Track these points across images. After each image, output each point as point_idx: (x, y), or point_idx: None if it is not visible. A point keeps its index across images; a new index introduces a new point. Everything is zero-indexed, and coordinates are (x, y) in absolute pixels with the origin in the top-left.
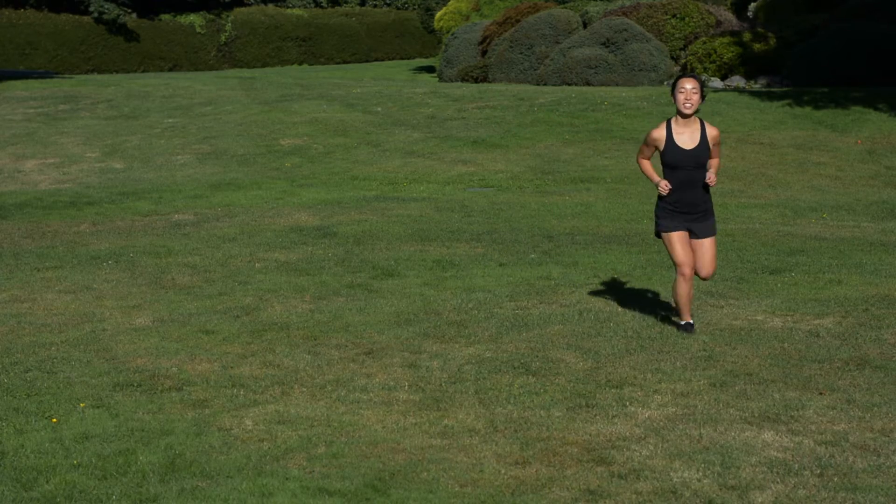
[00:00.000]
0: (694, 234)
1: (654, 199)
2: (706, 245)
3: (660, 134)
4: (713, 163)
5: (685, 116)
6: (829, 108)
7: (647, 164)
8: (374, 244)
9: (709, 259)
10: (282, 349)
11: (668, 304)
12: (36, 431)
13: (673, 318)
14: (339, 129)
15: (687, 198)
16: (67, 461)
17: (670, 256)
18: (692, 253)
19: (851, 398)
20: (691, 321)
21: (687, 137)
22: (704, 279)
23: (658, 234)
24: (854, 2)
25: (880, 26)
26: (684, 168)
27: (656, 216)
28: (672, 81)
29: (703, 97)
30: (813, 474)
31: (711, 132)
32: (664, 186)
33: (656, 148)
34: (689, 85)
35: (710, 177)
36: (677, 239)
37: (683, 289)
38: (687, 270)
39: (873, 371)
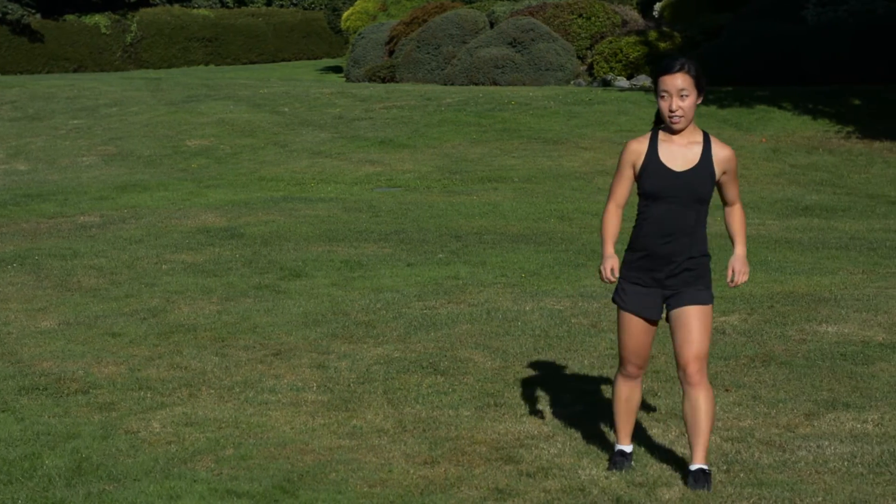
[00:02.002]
0: (671, 305)
1: (562, 198)
2: (688, 316)
3: (639, 146)
4: (733, 224)
5: (675, 132)
6: (734, 106)
7: (607, 220)
8: (282, 245)
9: (695, 337)
10: (189, 351)
11: (576, 308)
12: None
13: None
14: (246, 129)
15: (664, 249)
16: None
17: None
18: (649, 345)
19: (757, 394)
20: (628, 448)
21: (678, 153)
22: (686, 370)
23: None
24: (758, 2)
25: (784, 26)
26: (668, 200)
27: (620, 274)
28: (654, 76)
29: (702, 91)
30: (720, 470)
31: (721, 152)
32: (605, 271)
33: (634, 171)
34: (677, 82)
35: (736, 270)
36: (632, 326)
37: (623, 392)
38: (632, 371)
39: (778, 367)
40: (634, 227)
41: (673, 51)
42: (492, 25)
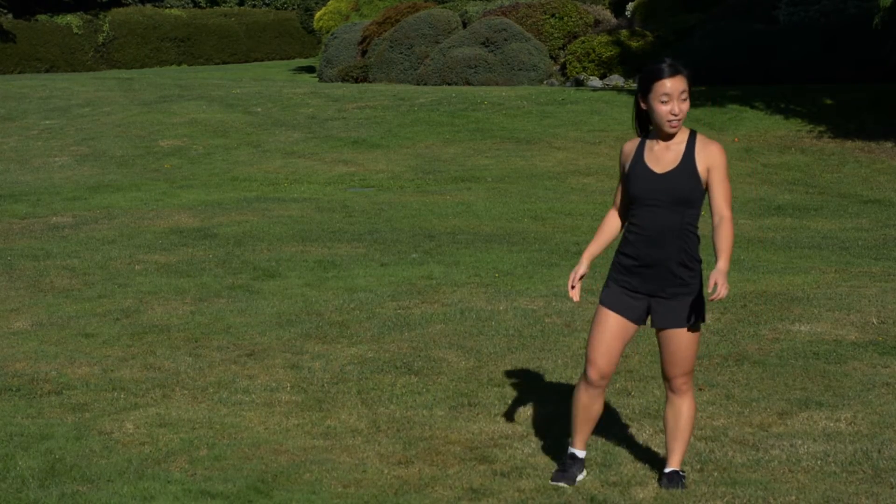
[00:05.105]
0: (657, 321)
1: (535, 198)
2: (680, 338)
3: (629, 148)
4: (719, 240)
5: (670, 137)
6: (706, 106)
7: (602, 223)
8: (255, 245)
9: (681, 357)
10: (162, 351)
11: (549, 308)
12: None
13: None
14: (219, 129)
15: (651, 256)
16: None
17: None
18: (619, 351)
19: (730, 393)
20: (581, 453)
21: (662, 155)
22: (672, 382)
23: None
24: (730, 2)
25: (756, 26)
26: (652, 203)
27: (608, 274)
28: (640, 76)
29: (691, 90)
30: (693, 469)
31: (707, 149)
32: (571, 276)
33: (624, 174)
34: (678, 85)
35: (717, 284)
36: (608, 323)
37: (583, 400)
38: (594, 377)
39: (752, 366)
40: (624, 230)
41: (645, 50)
42: (464, 25)
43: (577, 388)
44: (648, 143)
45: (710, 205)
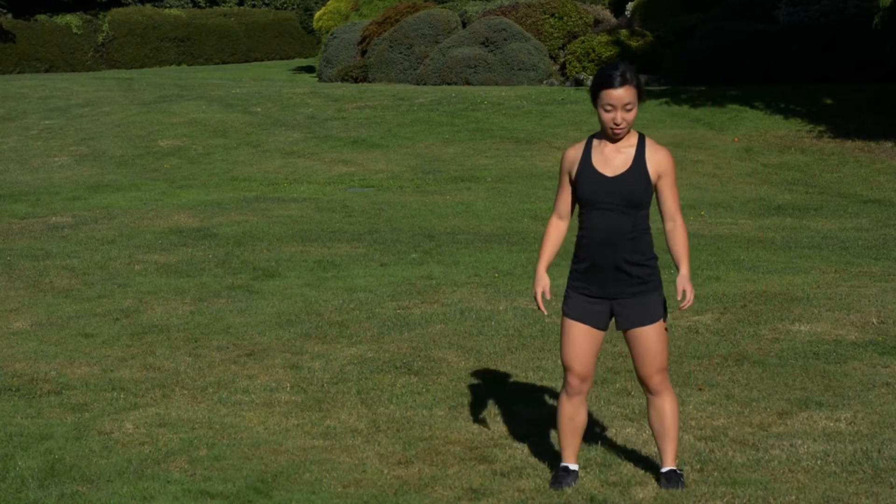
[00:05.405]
0: (621, 323)
1: (534, 197)
2: (645, 337)
3: (574, 153)
4: (675, 245)
5: (615, 140)
6: (706, 106)
7: (546, 233)
8: (255, 245)
9: (652, 355)
10: (162, 351)
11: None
12: None
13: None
14: (219, 129)
15: (605, 258)
16: None
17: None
18: (593, 356)
19: (730, 393)
20: (573, 466)
21: (611, 158)
22: (648, 383)
23: None
24: (730, 1)
25: (756, 26)
26: (603, 206)
27: (567, 283)
28: (593, 83)
29: (642, 98)
30: (693, 469)
31: (656, 153)
32: (536, 295)
33: (571, 179)
34: (623, 96)
35: (688, 290)
36: (575, 333)
37: (566, 410)
38: (574, 382)
39: (751, 366)
40: (577, 236)
41: (645, 50)
42: (464, 25)
43: (559, 400)
44: (596, 144)
45: (660, 210)
